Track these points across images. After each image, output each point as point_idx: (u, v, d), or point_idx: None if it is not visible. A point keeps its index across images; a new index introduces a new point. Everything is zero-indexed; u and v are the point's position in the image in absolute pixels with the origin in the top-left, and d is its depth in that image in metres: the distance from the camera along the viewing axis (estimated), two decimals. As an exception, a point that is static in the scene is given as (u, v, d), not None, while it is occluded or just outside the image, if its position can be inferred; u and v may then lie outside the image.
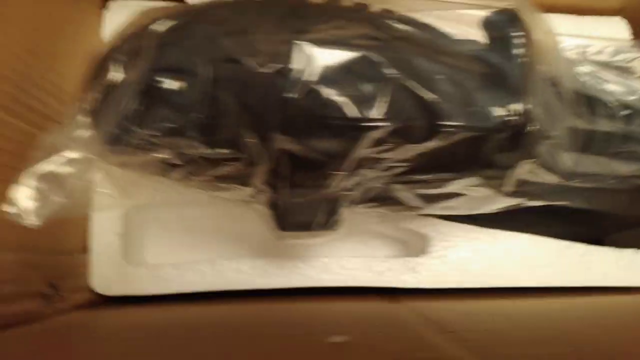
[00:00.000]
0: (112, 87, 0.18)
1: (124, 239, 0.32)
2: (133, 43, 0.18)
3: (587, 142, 0.26)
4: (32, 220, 0.17)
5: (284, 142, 0.19)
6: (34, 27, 0.26)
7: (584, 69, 0.27)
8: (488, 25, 0.21)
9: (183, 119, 0.17)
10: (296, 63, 0.17)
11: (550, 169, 0.24)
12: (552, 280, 0.34)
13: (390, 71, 0.18)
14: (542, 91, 0.21)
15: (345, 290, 0.33)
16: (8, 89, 0.23)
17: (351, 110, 0.18)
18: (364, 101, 0.18)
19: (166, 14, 0.18)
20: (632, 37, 0.37)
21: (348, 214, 0.28)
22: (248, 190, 0.24)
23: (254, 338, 0.22)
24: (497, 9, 0.21)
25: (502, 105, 0.19)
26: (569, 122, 0.25)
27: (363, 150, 0.20)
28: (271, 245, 0.34)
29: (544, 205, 0.32)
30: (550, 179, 0.25)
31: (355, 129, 0.18)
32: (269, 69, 0.17)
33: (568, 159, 0.25)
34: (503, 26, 0.20)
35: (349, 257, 0.33)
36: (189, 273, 0.32)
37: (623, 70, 0.29)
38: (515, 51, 0.19)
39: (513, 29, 0.20)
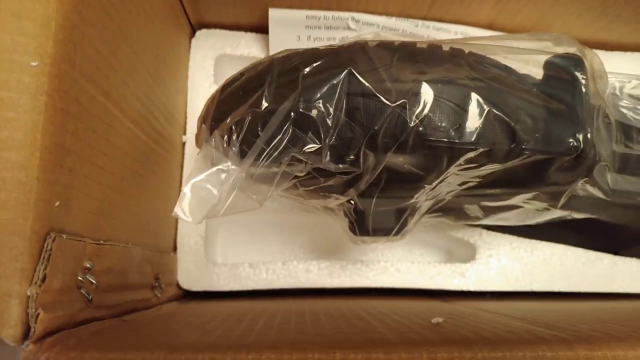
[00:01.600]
0: (258, 113, 0.22)
1: (206, 240, 0.36)
2: (281, 79, 0.22)
3: (624, 164, 0.30)
4: (192, 220, 0.21)
5: (394, 159, 0.23)
6: (154, 54, 0.30)
7: (625, 101, 0.31)
8: (552, 66, 0.25)
9: (323, 142, 0.21)
10: (419, 98, 0.21)
11: (597, 186, 0.28)
12: (583, 286, 0.38)
13: (486, 105, 0.22)
14: (597, 122, 0.26)
15: (397, 292, 0.37)
16: (139, 108, 0.27)
17: (454, 135, 0.22)
18: (465, 128, 0.22)
19: (309, 56, 0.22)
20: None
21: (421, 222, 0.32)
22: (342, 199, 0.28)
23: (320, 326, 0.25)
24: (561, 54, 0.26)
25: (571, 134, 0.23)
26: (612, 147, 0.29)
27: (453, 168, 0.24)
28: (335, 249, 0.38)
29: (572, 220, 0.36)
30: (597, 194, 0.29)
31: (455, 150, 0.22)
32: (397, 103, 0.21)
33: (610, 178, 0.30)
34: (569, 68, 0.24)
35: (404, 262, 0.37)
36: (263, 272, 0.36)
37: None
38: (582, 90, 0.24)
39: (580, 71, 0.24)
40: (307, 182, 0.26)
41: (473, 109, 0.22)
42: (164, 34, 0.32)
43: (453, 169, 0.24)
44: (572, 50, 0.26)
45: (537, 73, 0.26)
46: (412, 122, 0.21)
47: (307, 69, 0.22)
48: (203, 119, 0.26)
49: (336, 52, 0.22)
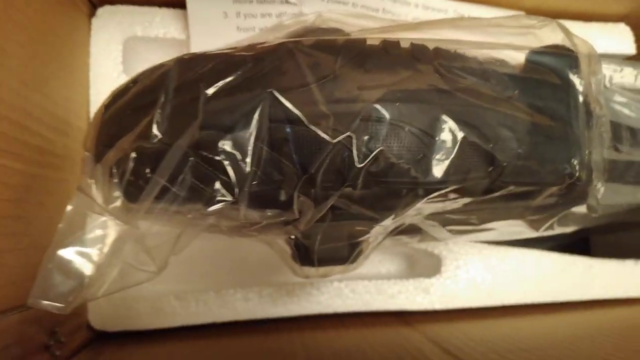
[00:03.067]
0: (146, 150, 0.16)
1: (122, 270, 0.30)
2: (179, 97, 0.16)
3: (613, 172, 0.26)
4: (60, 309, 0.15)
5: (340, 200, 0.17)
6: (30, 55, 0.22)
7: (617, 96, 0.26)
8: (538, 65, 0.20)
9: (240, 193, 0.15)
10: (370, 126, 0.15)
11: (589, 207, 0.23)
12: (559, 295, 0.34)
13: (460, 129, 0.16)
14: (594, 133, 0.21)
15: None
16: (8, 130, 0.20)
17: (418, 172, 0.16)
18: (431, 162, 0.16)
19: (217, 65, 0.16)
20: (635, 43, 0.37)
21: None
22: (276, 237, 0.22)
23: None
24: (548, 48, 0.20)
25: (566, 158, 0.18)
26: (604, 154, 0.24)
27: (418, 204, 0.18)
28: (279, 271, 0.33)
29: None
30: (582, 211, 0.24)
31: (418, 189, 0.17)
32: (336, 135, 0.15)
33: (599, 192, 0.25)
34: (562, 70, 0.19)
35: (361, 281, 0.32)
36: (192, 304, 0.30)
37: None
38: (578, 99, 0.18)
39: (575, 73, 0.19)
40: (230, 224, 0.20)
41: (443, 135, 0.16)
42: (48, 19, 0.24)
43: (418, 205, 0.18)
44: (558, 39, 0.20)
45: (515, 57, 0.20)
46: (361, 162, 0.15)
47: (212, 89, 0.15)
48: (85, 145, 0.20)
49: (256, 59, 0.16)
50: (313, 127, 0.15)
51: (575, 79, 0.19)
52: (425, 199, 0.17)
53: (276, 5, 0.30)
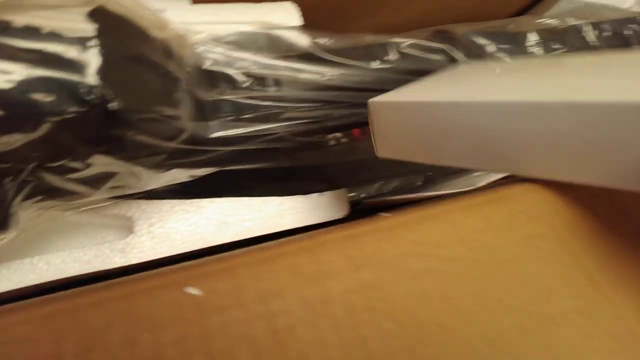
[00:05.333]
0: None
1: None
2: None
3: (216, 111, 0.31)
4: None
5: None
6: None
7: (216, 48, 0.31)
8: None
9: None
10: None
11: (170, 138, 0.28)
12: (250, 232, 0.39)
13: None
14: (136, 72, 0.25)
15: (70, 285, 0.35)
16: None
17: None
18: None
19: None
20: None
21: (36, 211, 0.29)
22: None
23: None
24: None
25: (79, 90, 0.22)
26: (196, 94, 0.29)
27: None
28: (-36, 258, 0.33)
29: (244, 170, 0.37)
30: (195, 147, 0.29)
31: None
32: None
33: (199, 128, 0.30)
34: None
35: (55, 252, 0.34)
36: None
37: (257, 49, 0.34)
38: (94, 42, 0.22)
39: (94, 23, 0.23)
40: None
41: None
42: None
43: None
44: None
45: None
46: None
47: None
48: None
49: None
50: None
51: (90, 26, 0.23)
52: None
53: None
